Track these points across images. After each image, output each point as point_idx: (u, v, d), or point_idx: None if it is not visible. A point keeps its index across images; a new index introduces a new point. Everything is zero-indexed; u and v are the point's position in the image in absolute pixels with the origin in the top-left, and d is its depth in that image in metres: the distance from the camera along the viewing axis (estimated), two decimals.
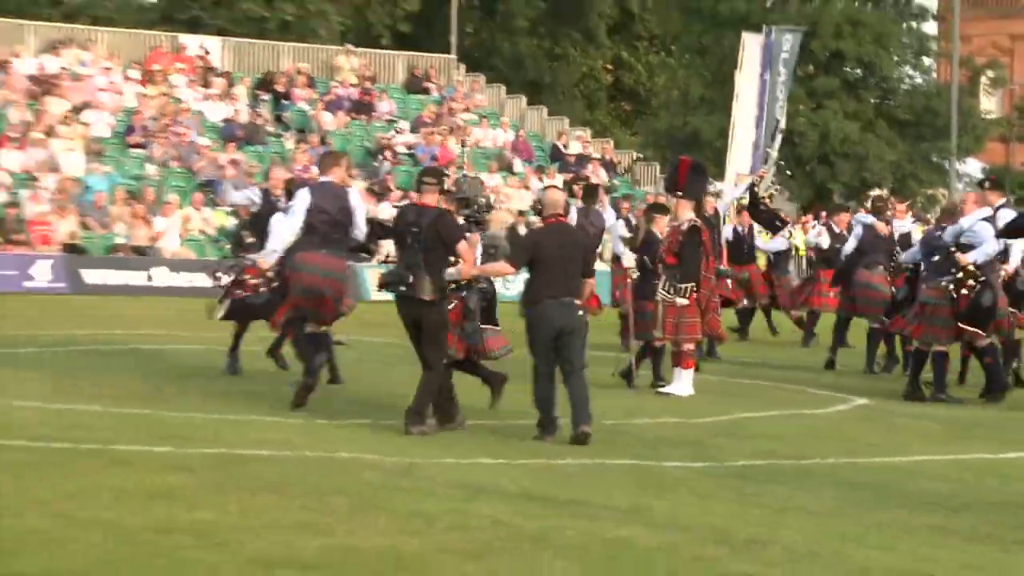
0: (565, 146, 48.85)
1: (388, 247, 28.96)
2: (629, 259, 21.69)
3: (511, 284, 20.86)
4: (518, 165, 46.74)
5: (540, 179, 44.55)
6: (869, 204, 23.59)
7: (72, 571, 8.15)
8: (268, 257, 16.46)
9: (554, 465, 12.48)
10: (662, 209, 19.88)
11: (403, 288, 14.07)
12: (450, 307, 14.55)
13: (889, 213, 22.34)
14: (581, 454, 13.10)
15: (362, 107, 47.48)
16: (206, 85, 46.11)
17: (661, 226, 19.20)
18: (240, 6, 53.66)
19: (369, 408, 14.76)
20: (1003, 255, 18.78)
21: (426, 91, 50.30)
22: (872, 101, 58.03)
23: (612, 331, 23.43)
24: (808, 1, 57.35)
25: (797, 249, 44.95)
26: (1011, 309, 18.82)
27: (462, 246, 14.14)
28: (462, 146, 45.34)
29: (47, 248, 36.56)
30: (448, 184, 15.41)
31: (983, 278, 17.89)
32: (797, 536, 9.79)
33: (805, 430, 15.60)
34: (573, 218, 14.95)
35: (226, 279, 18.19)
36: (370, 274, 30.73)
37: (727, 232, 23.93)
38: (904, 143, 57.26)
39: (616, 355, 20.27)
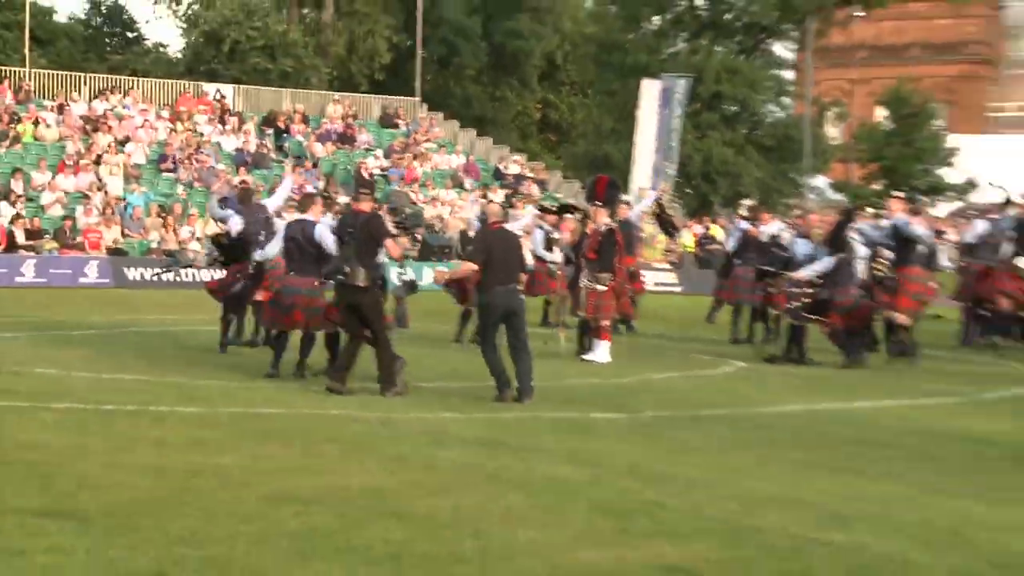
0: (505, 168, 49.05)
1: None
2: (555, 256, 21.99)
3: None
4: (468, 183, 46.93)
5: (484, 195, 44.55)
6: (745, 212, 23.55)
7: (121, 508, 8.07)
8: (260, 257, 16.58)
9: (501, 418, 12.43)
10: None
11: (341, 277, 14.04)
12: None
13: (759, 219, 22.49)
14: (522, 409, 13.05)
15: (346, 139, 47.59)
16: (222, 122, 46.20)
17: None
18: (249, 60, 53.58)
19: (355, 376, 14.61)
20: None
21: (396, 126, 50.45)
22: (744, 131, 58.26)
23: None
24: (694, 53, 57.52)
25: (685, 248, 45.19)
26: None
27: (388, 242, 14.14)
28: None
29: (96, 252, 36.54)
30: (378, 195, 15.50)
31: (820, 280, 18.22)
32: (694, 471, 9.78)
33: (698, 387, 15.65)
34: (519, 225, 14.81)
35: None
36: None
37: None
38: (768, 164, 57.55)
39: (551, 331, 20.24)
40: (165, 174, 41.98)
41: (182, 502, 8.24)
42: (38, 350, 17.81)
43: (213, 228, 18.84)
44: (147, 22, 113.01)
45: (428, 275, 38.71)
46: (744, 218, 23.18)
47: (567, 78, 75.00)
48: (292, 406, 12.75)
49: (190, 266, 15.61)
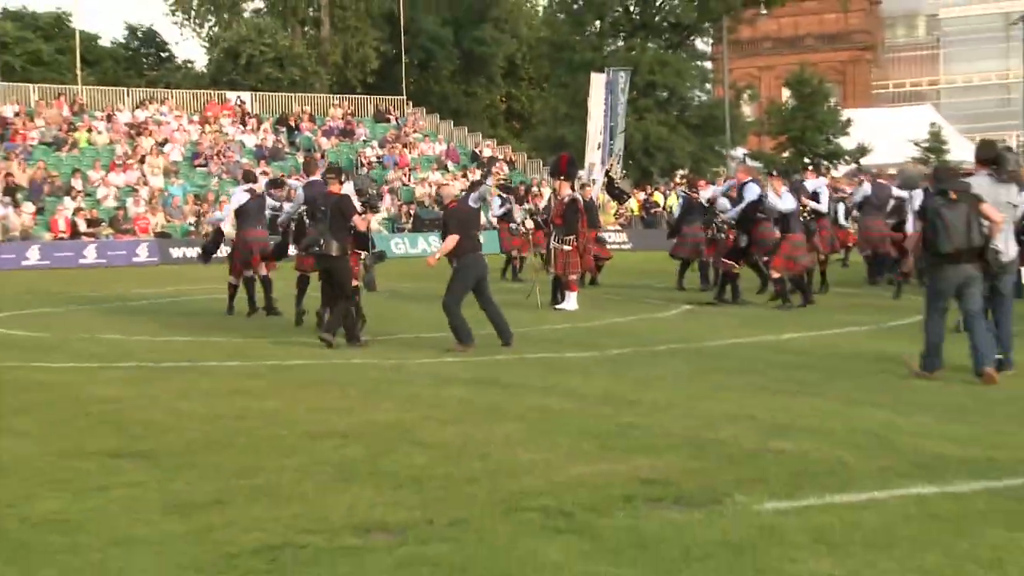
0: (480, 152, 48.83)
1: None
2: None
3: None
4: (451, 166, 46.70)
5: (465, 175, 44.38)
6: (684, 182, 23.46)
7: (182, 447, 7.97)
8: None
9: (493, 360, 12.28)
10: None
11: (317, 248, 13.88)
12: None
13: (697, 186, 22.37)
14: (509, 352, 12.92)
15: (346, 133, 47.35)
16: (243, 124, 45.94)
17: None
18: (263, 71, 53.28)
19: (372, 332, 14.48)
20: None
21: (388, 120, 50.20)
22: (675, 113, 57.98)
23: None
24: (631, 50, 57.20)
25: (632, 212, 45.06)
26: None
27: (356, 218, 13.93)
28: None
29: (145, 235, 36.33)
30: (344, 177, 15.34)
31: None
32: (658, 396, 9.67)
33: (654, 327, 15.47)
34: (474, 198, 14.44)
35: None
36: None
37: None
38: (696, 139, 57.36)
39: (528, 287, 20.12)
40: (198, 168, 41.87)
41: (233, 441, 8.13)
42: (102, 319, 17.63)
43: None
44: (176, 43, 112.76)
45: (420, 243, 38.73)
46: (684, 186, 23.12)
47: (526, 74, 74.94)
48: (321, 358, 12.58)
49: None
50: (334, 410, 9.28)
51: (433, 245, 38.56)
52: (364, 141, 47.16)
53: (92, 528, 5.99)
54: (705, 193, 21.03)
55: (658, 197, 45.92)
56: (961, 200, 10.18)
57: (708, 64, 65.91)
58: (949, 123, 71.95)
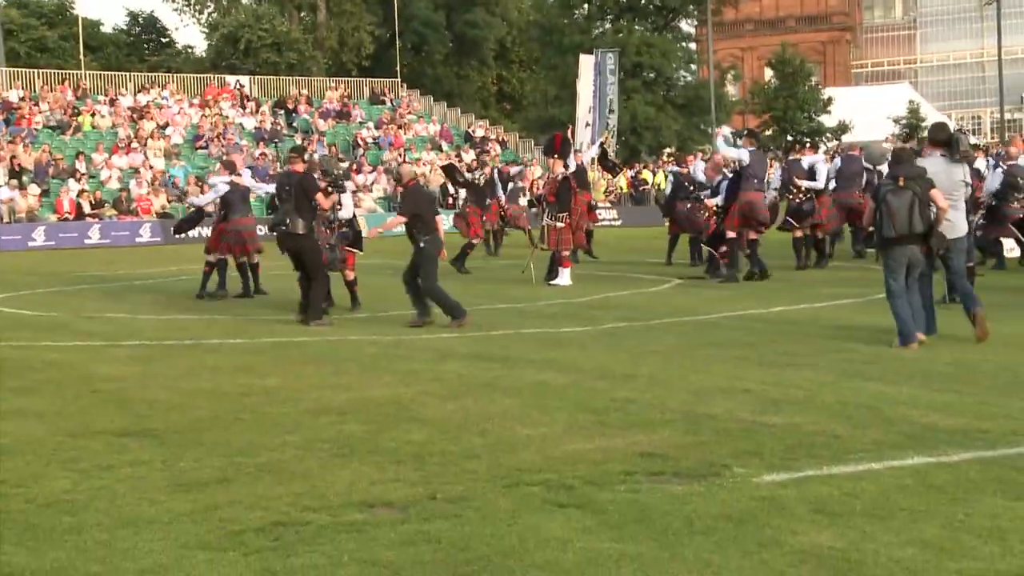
0: (473, 132, 48.62)
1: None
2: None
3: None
4: (445, 146, 46.47)
5: (459, 156, 44.17)
6: (672, 160, 23.28)
7: (187, 425, 7.83)
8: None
9: (489, 335, 12.12)
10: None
11: (284, 227, 13.62)
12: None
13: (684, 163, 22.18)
14: (505, 327, 12.74)
15: (343, 115, 47.04)
16: (243, 107, 45.64)
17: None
18: (261, 56, 53.00)
19: (370, 308, 14.32)
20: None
21: (383, 103, 49.89)
22: (661, 93, 57.84)
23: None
24: (618, 32, 56.95)
25: (622, 189, 44.86)
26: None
27: (319, 196, 13.71)
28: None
29: (148, 216, 36.12)
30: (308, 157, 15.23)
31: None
32: (653, 369, 9.53)
33: (646, 301, 15.31)
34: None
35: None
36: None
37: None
38: (682, 118, 57.27)
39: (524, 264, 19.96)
40: (199, 151, 41.57)
41: (237, 418, 8.00)
42: (108, 298, 17.46)
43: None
44: (176, 29, 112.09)
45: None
46: (675, 163, 22.90)
47: (516, 57, 74.70)
48: (320, 335, 12.42)
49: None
50: (335, 386, 9.13)
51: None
52: (360, 123, 46.89)
53: (99, 508, 5.84)
54: (693, 169, 20.86)
55: (646, 175, 45.73)
56: (909, 186, 10.45)
57: (693, 45, 65.70)
58: (927, 101, 71.86)
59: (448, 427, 7.49)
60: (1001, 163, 18.58)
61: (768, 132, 60.69)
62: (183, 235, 19.20)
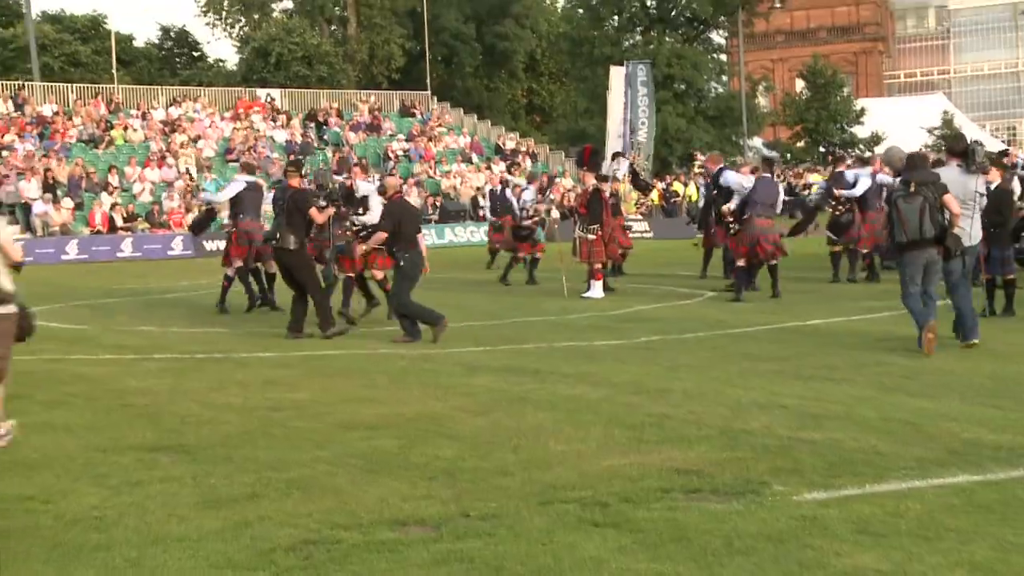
0: (503, 144, 48.58)
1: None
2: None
3: None
4: (475, 158, 46.46)
5: (489, 168, 44.17)
6: (704, 171, 22.99)
7: (218, 440, 7.77)
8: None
9: (520, 348, 12.00)
10: (603, 178, 19.17)
11: (274, 241, 13.59)
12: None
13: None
14: (538, 339, 12.63)
15: (373, 127, 47.08)
16: (274, 120, 45.75)
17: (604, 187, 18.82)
18: (292, 69, 53.22)
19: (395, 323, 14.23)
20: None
21: (413, 115, 49.90)
22: (692, 105, 57.65)
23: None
24: (648, 44, 56.82)
25: (654, 202, 44.63)
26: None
27: (312, 211, 13.63)
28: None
29: (180, 229, 36.18)
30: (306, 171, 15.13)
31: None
32: (688, 384, 9.38)
33: (680, 315, 15.12)
34: None
35: None
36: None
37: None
38: (714, 129, 57.04)
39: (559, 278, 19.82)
40: (230, 163, 41.63)
41: (267, 433, 7.93)
42: (139, 311, 17.46)
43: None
44: (208, 43, 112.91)
45: (447, 234, 38.50)
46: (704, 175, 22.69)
47: (546, 69, 74.67)
48: (349, 348, 12.34)
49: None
50: (365, 400, 9.05)
51: (459, 236, 38.38)
52: (390, 135, 46.93)
53: (128, 525, 5.77)
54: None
55: (677, 186, 45.52)
56: (920, 192, 10.68)
57: (724, 57, 65.51)
58: (961, 111, 71.34)
59: (480, 443, 7.38)
60: None
61: (800, 144, 60.42)
62: (200, 236, 19.13)
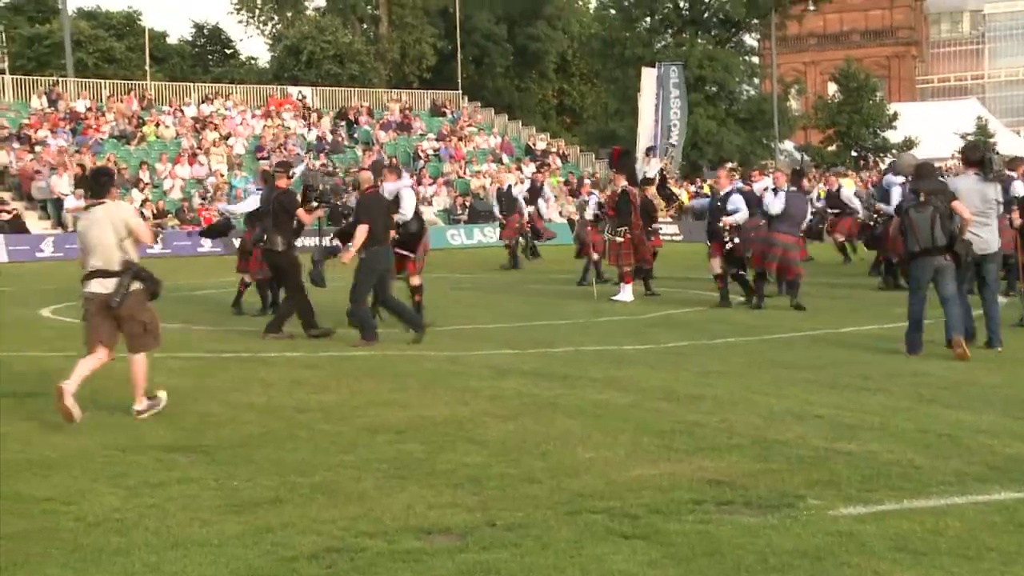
0: (533, 145, 48.44)
1: None
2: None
3: None
4: (505, 159, 46.34)
5: (519, 168, 44.05)
6: (738, 175, 22.64)
7: (241, 441, 7.67)
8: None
9: (549, 352, 11.84)
10: (648, 181, 19.01)
11: (262, 243, 13.59)
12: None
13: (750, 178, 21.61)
14: (565, 343, 12.47)
15: (404, 127, 47.06)
16: (304, 118, 45.76)
17: (649, 193, 18.61)
18: (323, 67, 53.27)
19: (429, 320, 14.11)
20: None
21: (444, 114, 49.82)
22: (723, 107, 57.30)
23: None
24: (680, 46, 56.51)
25: (681, 205, 44.38)
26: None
27: (300, 212, 13.58)
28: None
29: (209, 225, 36.19)
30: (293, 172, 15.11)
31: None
32: (719, 391, 9.21)
33: (709, 320, 14.90)
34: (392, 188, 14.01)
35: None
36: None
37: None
38: (745, 133, 56.71)
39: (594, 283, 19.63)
40: (261, 161, 41.63)
41: (292, 435, 7.82)
42: (166, 307, 17.28)
43: None
44: (240, 40, 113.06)
45: (476, 234, 38.38)
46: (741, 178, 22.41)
47: (577, 70, 74.51)
48: (377, 349, 12.20)
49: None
50: (392, 403, 8.92)
51: (489, 236, 38.20)
52: (421, 135, 46.88)
53: (148, 528, 5.67)
54: (758, 185, 20.37)
55: (707, 189, 45.24)
56: (930, 201, 10.93)
57: (756, 59, 65.15)
58: (995, 117, 70.71)
59: (507, 449, 7.24)
60: None
61: (832, 148, 59.99)
62: (212, 238, 19.06)
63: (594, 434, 7.62)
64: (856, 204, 22.50)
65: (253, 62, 67.49)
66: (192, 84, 48.95)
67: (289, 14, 63.14)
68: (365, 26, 64.05)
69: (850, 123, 59.59)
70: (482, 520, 5.67)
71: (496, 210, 27.50)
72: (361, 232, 12.52)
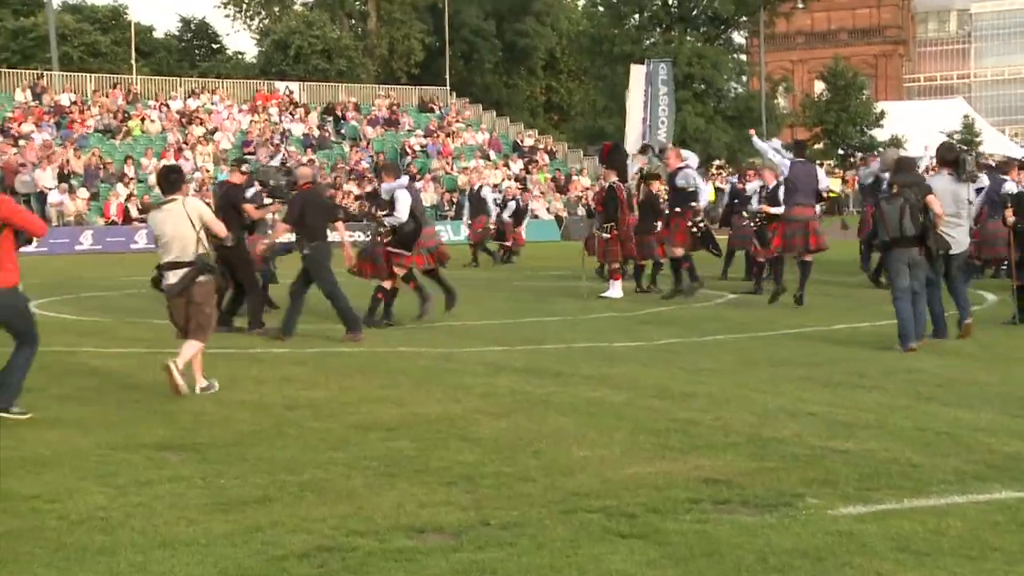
0: (521, 141, 48.35)
1: None
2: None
3: None
4: (493, 155, 46.22)
5: (507, 165, 43.94)
6: (734, 172, 22.59)
7: (227, 440, 7.57)
8: None
9: (541, 349, 11.74)
10: (655, 176, 18.88)
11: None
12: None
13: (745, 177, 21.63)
14: (556, 340, 12.37)
15: (391, 123, 46.95)
16: (291, 113, 45.59)
17: (655, 188, 18.49)
18: (311, 62, 53.07)
19: (413, 319, 14.03)
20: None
21: (432, 111, 49.71)
22: (712, 105, 57.28)
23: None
24: (668, 43, 56.44)
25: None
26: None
27: (246, 207, 13.60)
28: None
29: None
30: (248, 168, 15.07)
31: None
32: (713, 389, 9.12)
33: (700, 316, 14.82)
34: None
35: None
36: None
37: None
38: (733, 130, 56.65)
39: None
40: (248, 156, 41.47)
41: (281, 433, 7.71)
42: (153, 303, 17.15)
43: None
44: (227, 35, 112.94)
45: (463, 230, 38.18)
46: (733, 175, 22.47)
47: (565, 67, 74.49)
48: (366, 344, 12.10)
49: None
50: (383, 400, 8.81)
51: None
52: (408, 130, 46.75)
53: (134, 527, 5.55)
54: (752, 185, 20.32)
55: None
56: (902, 193, 11.24)
57: (744, 57, 65.18)
58: (981, 116, 70.89)
59: (501, 447, 7.14)
60: None
61: (819, 145, 60.04)
62: None
63: (588, 432, 7.52)
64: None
65: (240, 57, 67.26)
66: (178, 79, 48.73)
67: (276, 9, 62.93)
68: (353, 21, 63.88)
69: (837, 121, 59.71)
70: (476, 519, 5.57)
71: (466, 210, 27.85)
72: (279, 229, 12.76)
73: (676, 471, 6.46)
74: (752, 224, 18.76)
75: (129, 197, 35.72)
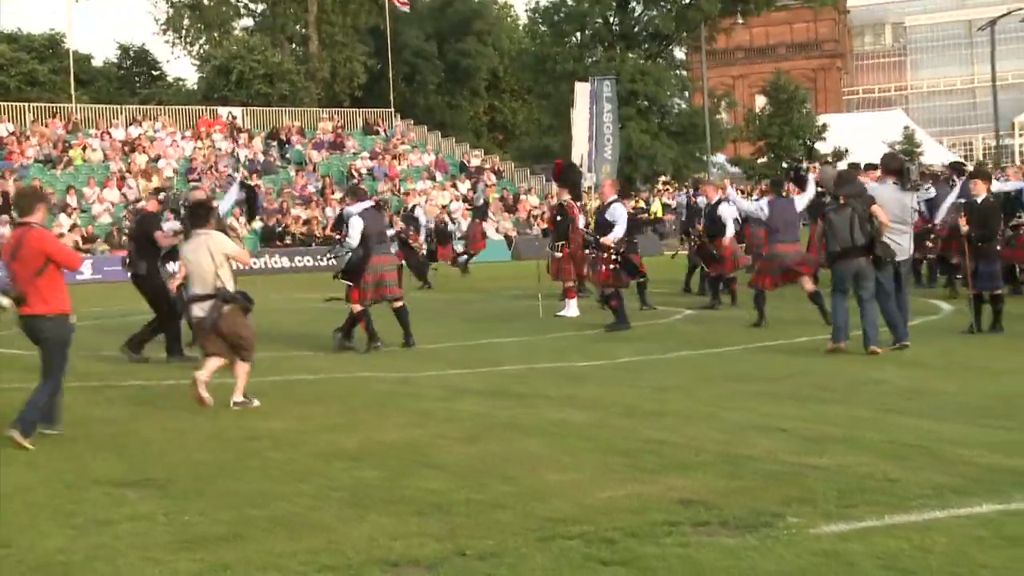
0: (467, 162, 48.25)
1: None
2: None
3: None
4: (439, 176, 46.06)
5: (455, 185, 43.80)
6: (691, 186, 22.58)
7: (190, 473, 7.32)
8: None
9: (501, 370, 11.62)
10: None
11: (127, 267, 14.05)
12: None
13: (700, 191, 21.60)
14: (516, 361, 12.23)
15: (336, 146, 46.69)
16: (235, 139, 45.16)
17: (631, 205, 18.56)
18: (253, 87, 52.56)
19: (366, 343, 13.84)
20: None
21: (377, 133, 49.52)
22: (656, 121, 57.44)
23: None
24: (611, 60, 56.58)
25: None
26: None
27: (157, 234, 13.61)
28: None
29: None
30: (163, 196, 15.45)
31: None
32: (679, 406, 9.04)
33: (660, 333, 14.76)
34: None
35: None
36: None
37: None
38: (678, 146, 56.84)
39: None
40: (192, 183, 41.03)
41: (243, 465, 7.51)
42: (101, 336, 16.89)
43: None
44: (168, 61, 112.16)
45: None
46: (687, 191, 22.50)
47: (508, 87, 74.49)
48: (324, 372, 11.91)
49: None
50: (345, 428, 8.63)
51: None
52: (354, 153, 46.51)
53: (96, 570, 5.33)
54: (702, 200, 20.30)
55: (640, 204, 45.38)
56: (849, 204, 11.49)
57: (685, 73, 65.50)
58: (919, 127, 71.86)
59: (470, 473, 6.98)
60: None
61: (763, 159, 60.47)
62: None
63: (558, 455, 7.39)
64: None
65: (181, 83, 66.60)
66: (119, 106, 48.15)
67: (216, 34, 62.43)
68: (295, 45, 63.53)
69: (780, 135, 60.13)
70: (451, 550, 5.41)
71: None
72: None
73: (651, 493, 6.34)
74: (693, 243, 18.94)
75: (73, 227, 35.13)
